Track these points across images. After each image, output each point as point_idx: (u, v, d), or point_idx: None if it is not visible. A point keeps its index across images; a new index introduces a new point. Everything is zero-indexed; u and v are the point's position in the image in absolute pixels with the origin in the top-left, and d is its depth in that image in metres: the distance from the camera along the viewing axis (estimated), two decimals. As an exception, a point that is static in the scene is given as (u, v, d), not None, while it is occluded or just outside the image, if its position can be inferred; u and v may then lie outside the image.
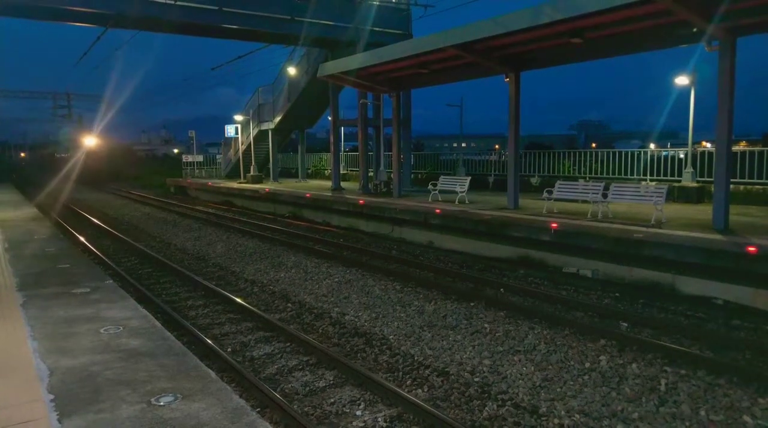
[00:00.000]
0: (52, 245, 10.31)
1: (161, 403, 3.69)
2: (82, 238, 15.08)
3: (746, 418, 5.06)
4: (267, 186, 25.44)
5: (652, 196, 12.06)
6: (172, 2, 17.54)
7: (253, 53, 24.71)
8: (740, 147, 21.45)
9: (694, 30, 10.56)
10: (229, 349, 7.08)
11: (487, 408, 5.39)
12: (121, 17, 17.80)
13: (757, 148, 15.90)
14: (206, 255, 13.48)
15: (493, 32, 12.09)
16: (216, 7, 18.21)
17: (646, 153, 18.65)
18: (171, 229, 17.83)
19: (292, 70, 24.99)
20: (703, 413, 5.17)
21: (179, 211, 22.71)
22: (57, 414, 3.53)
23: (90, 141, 41.49)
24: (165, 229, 17.91)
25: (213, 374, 4.32)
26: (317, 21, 19.82)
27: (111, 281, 7.68)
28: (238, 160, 30.53)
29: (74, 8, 17.05)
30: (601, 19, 10.85)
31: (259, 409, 5.26)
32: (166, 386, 3.97)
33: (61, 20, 19.35)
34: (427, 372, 6.29)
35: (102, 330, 5.23)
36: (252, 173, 28.05)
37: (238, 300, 9.11)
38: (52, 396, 3.79)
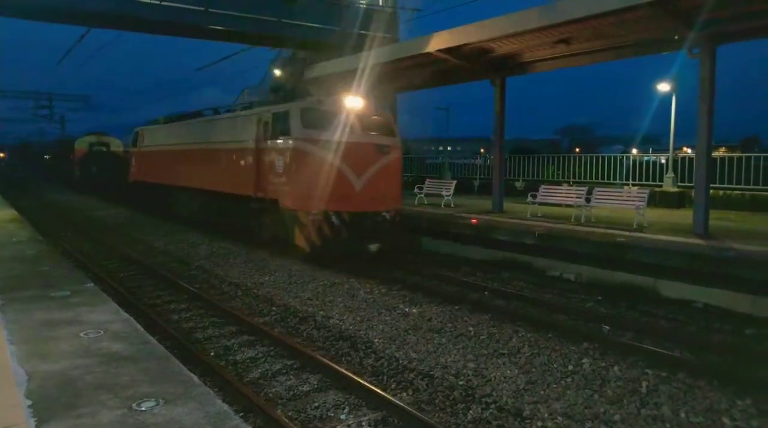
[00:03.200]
0: (32, 247, 10.13)
1: (143, 408, 3.64)
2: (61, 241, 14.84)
3: (725, 420, 5.14)
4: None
5: (634, 201, 12.23)
6: (158, 2, 17.38)
7: (238, 54, 24.52)
8: (719, 153, 21.83)
9: (676, 37, 10.76)
10: (212, 353, 7.02)
11: (471, 411, 5.41)
12: (105, 17, 17.59)
13: (735, 154, 16.22)
14: (189, 259, 13.35)
15: (479, 37, 12.20)
16: (202, 8, 18.07)
17: (628, 158, 18.90)
18: (153, 232, 17.62)
19: (278, 72, 24.88)
20: (683, 415, 5.24)
21: (160, 212, 22.40)
22: (35, 420, 3.46)
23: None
24: (147, 232, 17.69)
25: (196, 378, 4.27)
26: (304, 23, 19.77)
27: (92, 284, 7.55)
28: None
29: (57, 7, 16.81)
30: (587, 26, 10.99)
31: (242, 414, 5.22)
32: (148, 391, 3.91)
33: (43, 19, 19.07)
34: (411, 375, 6.29)
35: (82, 334, 5.15)
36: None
37: (221, 303, 9.04)
38: (30, 402, 3.72)
